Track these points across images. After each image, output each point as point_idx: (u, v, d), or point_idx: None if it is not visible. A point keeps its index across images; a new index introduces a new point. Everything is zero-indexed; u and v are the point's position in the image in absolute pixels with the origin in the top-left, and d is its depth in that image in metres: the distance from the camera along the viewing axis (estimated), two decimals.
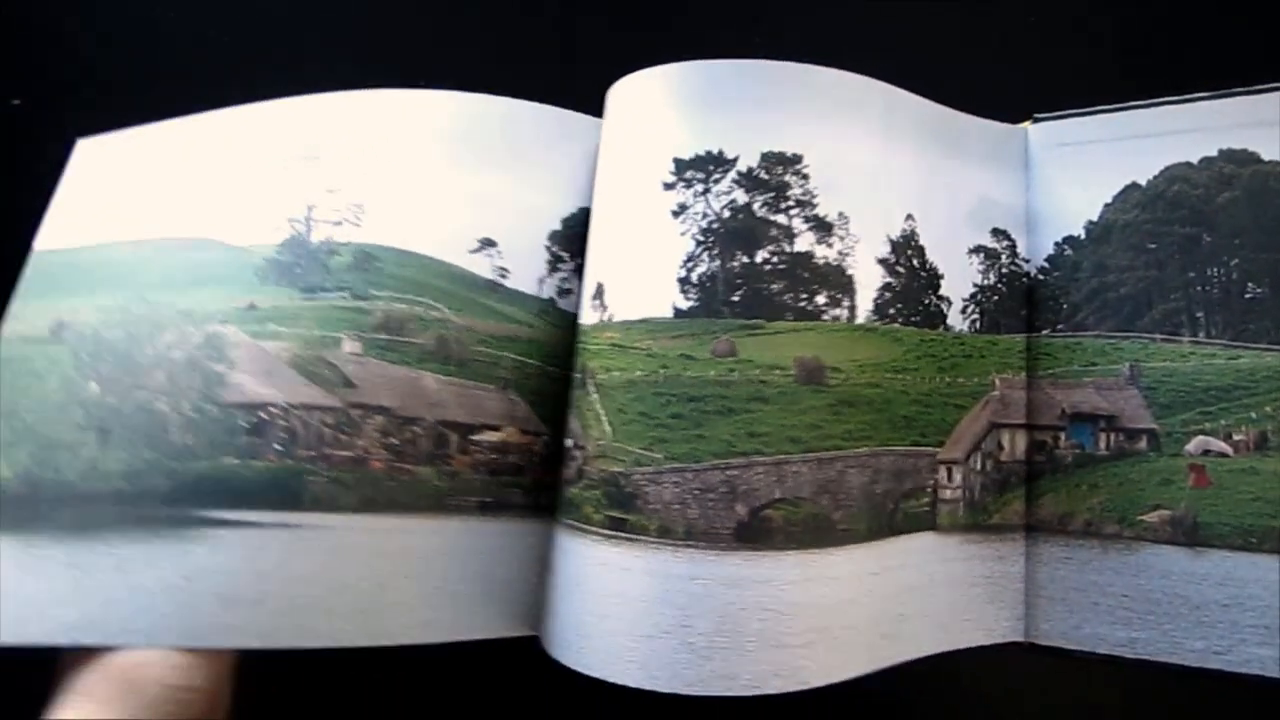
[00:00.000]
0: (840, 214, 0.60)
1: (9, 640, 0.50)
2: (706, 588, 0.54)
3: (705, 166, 0.59)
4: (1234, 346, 0.61)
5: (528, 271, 0.62)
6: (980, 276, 0.64)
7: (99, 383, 0.56)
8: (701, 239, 0.59)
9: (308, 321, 0.58)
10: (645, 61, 0.60)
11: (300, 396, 0.56)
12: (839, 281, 0.60)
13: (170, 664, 0.50)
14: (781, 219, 0.60)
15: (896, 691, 0.70)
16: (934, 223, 0.62)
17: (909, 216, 0.62)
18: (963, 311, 0.64)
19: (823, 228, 0.60)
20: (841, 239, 0.60)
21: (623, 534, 0.55)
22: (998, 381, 0.63)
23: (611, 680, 0.52)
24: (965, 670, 0.68)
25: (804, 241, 0.60)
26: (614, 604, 0.54)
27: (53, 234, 0.64)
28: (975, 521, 0.61)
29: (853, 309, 0.60)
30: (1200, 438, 0.60)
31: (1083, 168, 0.64)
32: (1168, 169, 0.62)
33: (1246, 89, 0.60)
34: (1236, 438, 0.59)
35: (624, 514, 0.56)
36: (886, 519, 0.59)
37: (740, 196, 0.60)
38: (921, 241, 0.62)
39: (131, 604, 0.51)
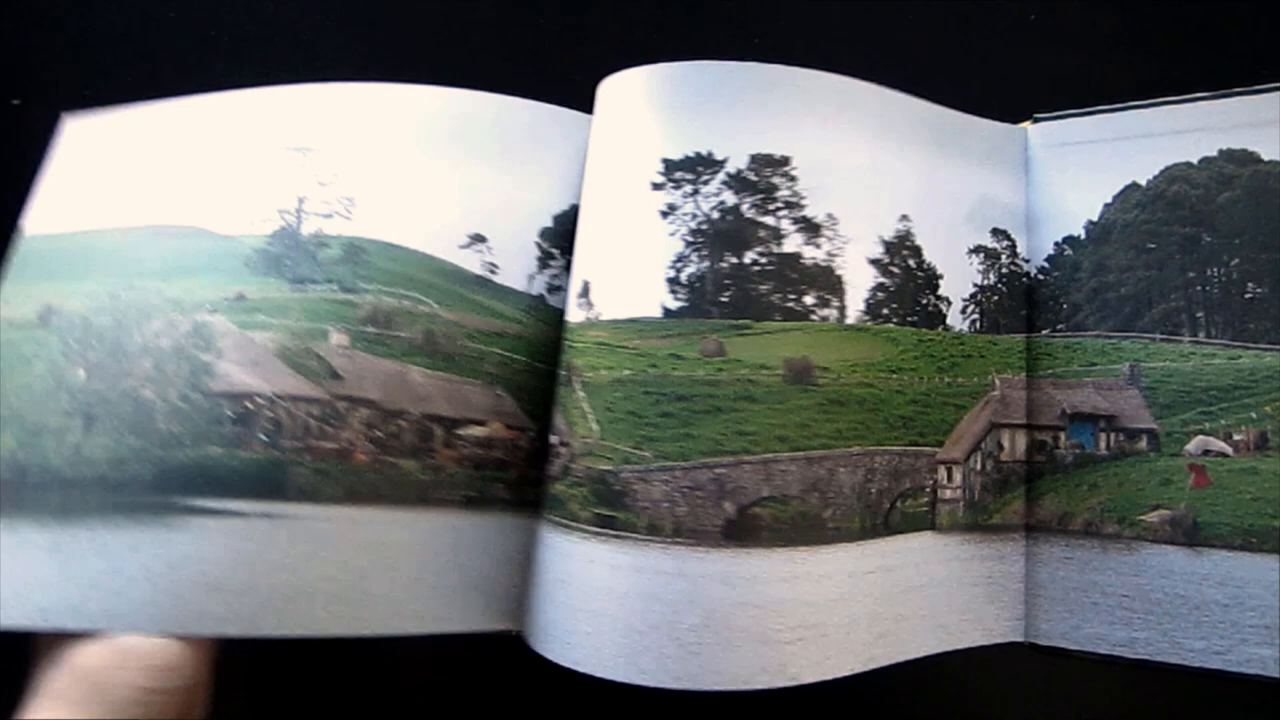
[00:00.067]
0: (829, 215, 0.60)
1: None
2: (694, 584, 0.54)
3: (694, 168, 0.60)
4: (1234, 346, 0.61)
5: (517, 267, 0.62)
6: (980, 276, 0.64)
7: (86, 369, 0.56)
8: (691, 240, 0.60)
9: (296, 313, 0.59)
10: (643, 59, 0.60)
11: (286, 387, 0.57)
12: (828, 282, 0.60)
13: (141, 665, 0.50)
14: (770, 220, 0.61)
15: (897, 691, 0.70)
16: (931, 223, 0.63)
17: (904, 217, 0.62)
18: (962, 311, 0.64)
19: (811, 229, 0.60)
20: (830, 240, 0.60)
21: (611, 531, 0.56)
22: (998, 381, 0.63)
23: (599, 675, 0.53)
24: (965, 670, 0.68)
25: (792, 242, 0.60)
26: (602, 600, 0.54)
27: (41, 216, 0.64)
28: (975, 521, 0.61)
29: (842, 309, 0.60)
30: (1200, 438, 0.60)
31: (1083, 168, 0.64)
32: (1168, 169, 0.62)
33: (1246, 89, 0.60)
34: (1236, 438, 0.59)
35: (612, 511, 0.56)
36: (882, 518, 0.59)
37: (729, 198, 0.60)
38: (918, 242, 0.62)
39: (113, 590, 0.51)
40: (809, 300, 0.60)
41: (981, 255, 0.64)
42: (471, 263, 0.61)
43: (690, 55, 0.60)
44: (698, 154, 0.59)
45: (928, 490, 0.61)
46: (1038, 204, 0.65)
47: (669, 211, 0.59)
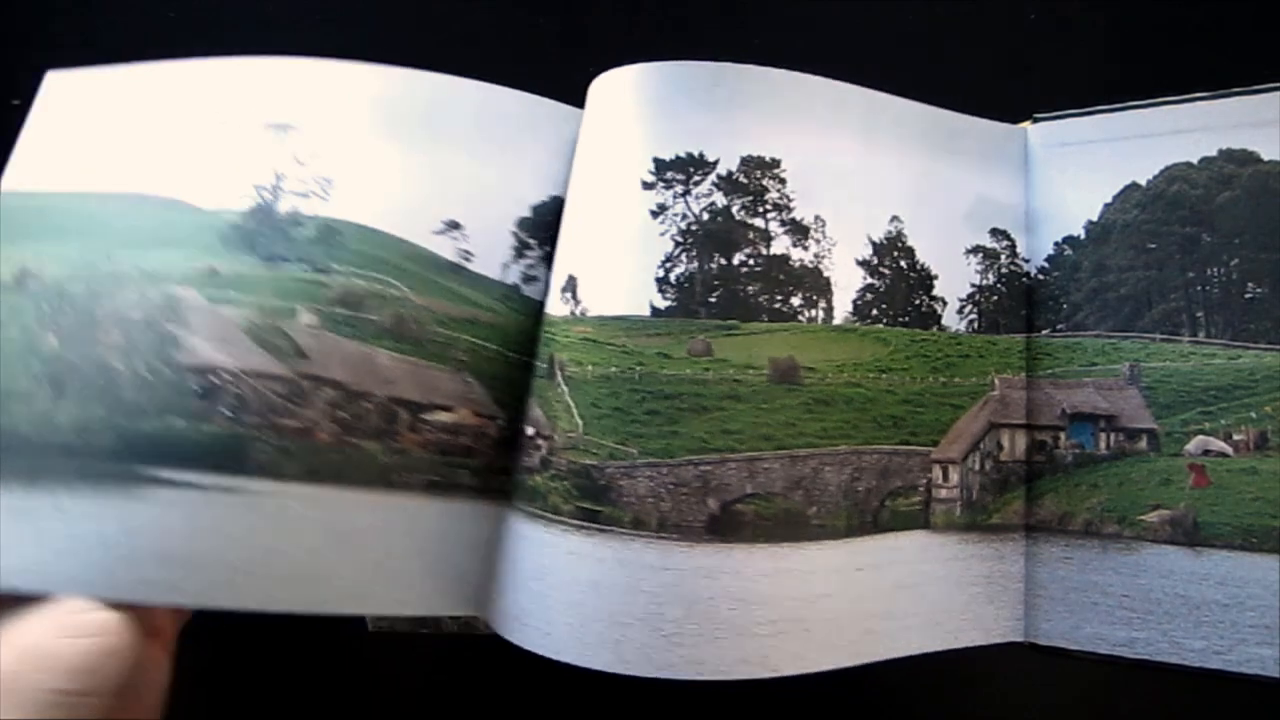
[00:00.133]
0: (817, 217, 0.61)
1: None
2: (678, 576, 0.55)
3: (685, 168, 0.60)
4: (1234, 346, 0.61)
5: (492, 256, 0.62)
6: (979, 277, 0.64)
7: (58, 336, 0.57)
8: (680, 240, 0.60)
9: (266, 291, 0.59)
10: (641, 58, 0.60)
11: (253, 364, 0.57)
12: (815, 283, 0.61)
13: (53, 668, 0.49)
14: (759, 222, 0.61)
15: (897, 690, 0.70)
16: (925, 223, 0.63)
17: (895, 218, 0.62)
18: (960, 311, 0.64)
19: (799, 231, 0.61)
20: (818, 242, 0.61)
21: (595, 525, 0.57)
22: (997, 381, 0.63)
23: (581, 664, 0.53)
24: (965, 670, 0.68)
25: (780, 244, 0.61)
26: (585, 592, 0.55)
27: (20, 174, 0.63)
28: (974, 521, 0.61)
29: (829, 310, 0.61)
30: (1200, 437, 0.60)
31: (1083, 168, 0.64)
32: (1167, 169, 0.62)
33: (1246, 89, 0.60)
34: (1236, 437, 0.59)
35: (597, 506, 0.57)
36: (870, 516, 0.60)
37: (719, 199, 0.61)
38: (910, 242, 0.63)
39: (71, 554, 0.52)
40: (796, 301, 0.61)
41: (980, 255, 0.64)
42: (445, 249, 0.61)
43: (688, 55, 0.60)
44: (689, 154, 0.60)
45: (920, 489, 0.61)
46: (1037, 204, 0.65)
47: (659, 211, 0.60)
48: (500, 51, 0.69)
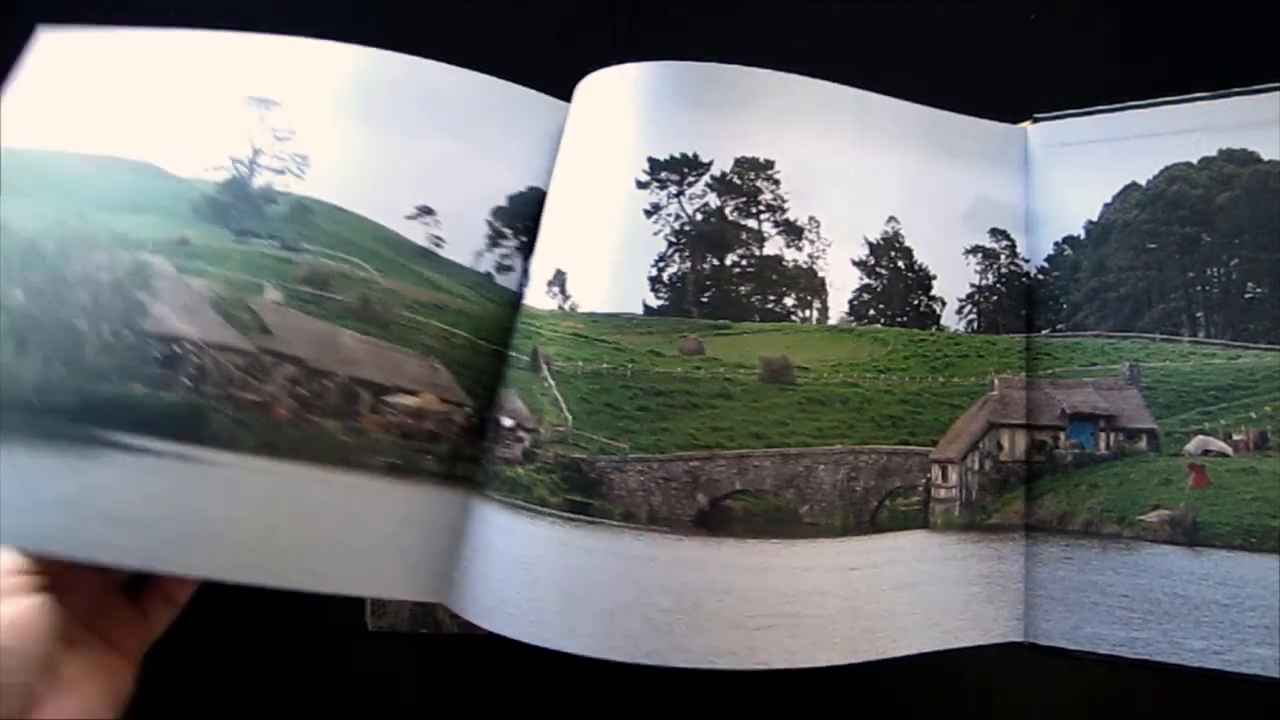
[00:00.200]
0: (811, 218, 0.62)
1: None
2: (666, 568, 0.56)
3: (679, 169, 0.61)
4: (1234, 346, 0.61)
5: (464, 243, 0.62)
6: (978, 277, 0.64)
7: (25, 291, 0.57)
8: (673, 240, 0.61)
9: (235, 265, 0.59)
10: (634, 56, 0.61)
11: (216, 336, 0.58)
12: (809, 284, 0.62)
13: None
14: (752, 223, 0.62)
15: (897, 690, 0.70)
16: (923, 224, 0.63)
17: (892, 219, 0.62)
18: (959, 311, 0.64)
19: (793, 232, 0.62)
20: (812, 242, 0.62)
21: (585, 517, 0.57)
22: (997, 381, 0.63)
23: (571, 651, 0.54)
24: (965, 670, 0.68)
25: (773, 245, 0.62)
26: (575, 582, 0.55)
27: (4, 129, 0.63)
28: (973, 521, 0.61)
29: (824, 310, 0.62)
30: (1200, 437, 0.60)
31: (1083, 168, 0.64)
32: (1167, 169, 0.62)
33: (1246, 89, 0.60)
34: (1236, 437, 0.59)
35: (587, 499, 0.58)
36: (868, 516, 0.60)
37: (713, 200, 0.61)
38: (908, 243, 0.63)
39: (24, 510, 0.52)
40: (789, 302, 0.61)
41: (979, 255, 0.64)
42: (416, 234, 0.62)
43: (686, 56, 0.60)
44: (683, 155, 0.60)
45: (920, 489, 0.61)
46: (1037, 204, 0.65)
47: (653, 211, 0.60)
48: (492, 43, 0.68)
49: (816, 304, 0.62)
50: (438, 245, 0.62)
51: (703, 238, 0.61)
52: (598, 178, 0.61)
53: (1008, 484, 0.62)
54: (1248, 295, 0.60)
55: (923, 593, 0.58)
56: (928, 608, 0.58)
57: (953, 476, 0.61)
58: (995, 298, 0.64)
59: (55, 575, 0.53)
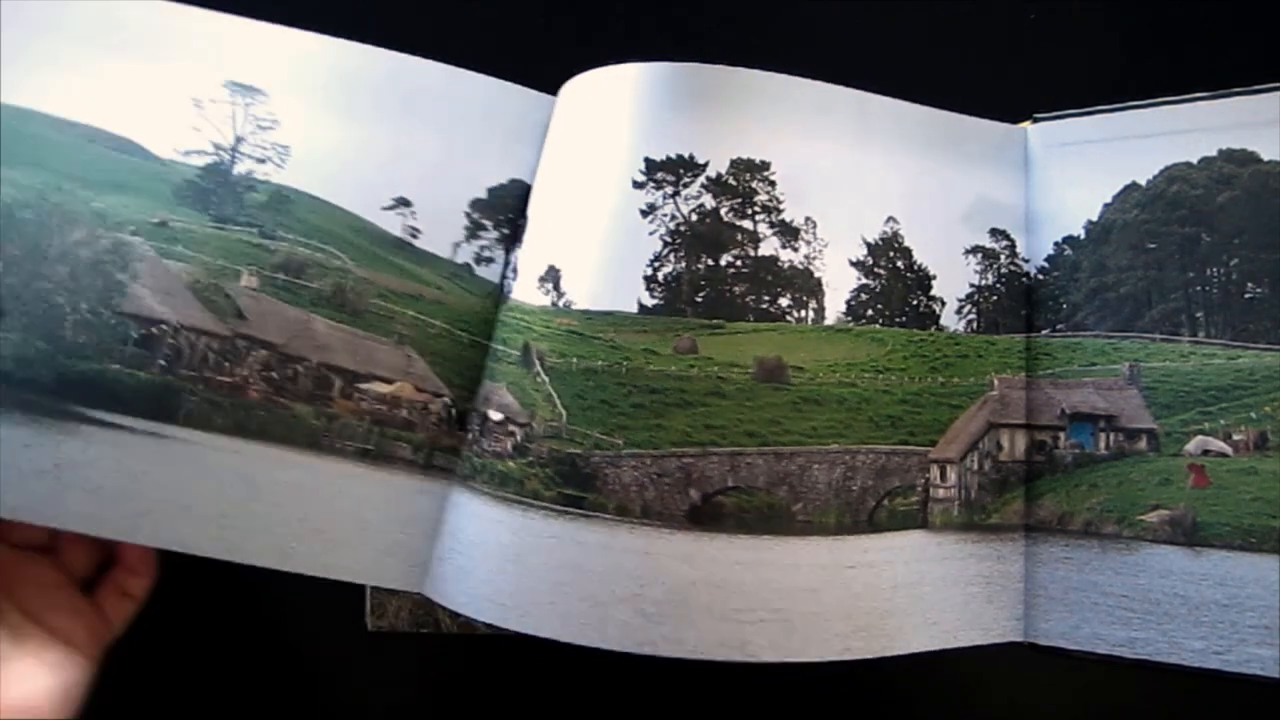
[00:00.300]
0: (807, 219, 0.62)
1: None
2: (659, 561, 0.57)
3: (676, 169, 0.61)
4: (1234, 346, 0.61)
5: (442, 234, 0.63)
6: (978, 277, 0.64)
7: (3, 261, 0.57)
8: (669, 240, 0.61)
9: (213, 250, 0.61)
10: (628, 56, 0.61)
11: (192, 319, 0.59)
12: (805, 284, 0.62)
13: None
14: (747, 224, 0.63)
15: (897, 690, 0.70)
16: (923, 224, 0.63)
17: (890, 219, 0.62)
18: (958, 312, 0.64)
19: (788, 232, 0.62)
20: (808, 243, 0.62)
21: (579, 511, 0.58)
22: (996, 381, 0.63)
23: (565, 640, 0.54)
24: (965, 670, 0.68)
25: (769, 246, 0.62)
26: (569, 574, 0.56)
27: None
28: (972, 521, 0.61)
29: (820, 310, 0.62)
30: (1200, 438, 0.60)
31: (1083, 168, 0.64)
32: (1167, 169, 0.62)
33: (1246, 89, 0.60)
34: (1236, 438, 0.59)
35: (581, 493, 0.58)
36: (866, 515, 0.60)
37: (708, 201, 0.62)
38: (907, 243, 0.63)
39: (5, 480, 0.54)
40: (784, 302, 0.62)
41: (979, 255, 0.64)
42: (393, 224, 0.63)
43: (685, 56, 0.60)
44: (679, 156, 0.61)
45: (919, 489, 0.61)
46: (1037, 204, 0.65)
47: (649, 211, 0.61)
48: (473, 38, 0.68)
49: (812, 304, 0.62)
50: (414, 236, 0.63)
51: (698, 238, 0.62)
52: (593, 177, 0.61)
53: (1007, 484, 0.62)
54: (1248, 295, 0.60)
55: (922, 592, 0.58)
56: (927, 607, 0.58)
57: (952, 476, 0.61)
58: (995, 298, 0.64)
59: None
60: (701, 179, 0.61)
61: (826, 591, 0.57)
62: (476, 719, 0.72)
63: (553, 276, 0.61)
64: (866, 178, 0.62)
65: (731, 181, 0.61)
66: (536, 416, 0.60)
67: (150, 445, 0.57)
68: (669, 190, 0.61)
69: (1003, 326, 0.64)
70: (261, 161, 0.61)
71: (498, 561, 0.57)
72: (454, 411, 0.61)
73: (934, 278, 0.64)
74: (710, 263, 0.62)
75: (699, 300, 0.62)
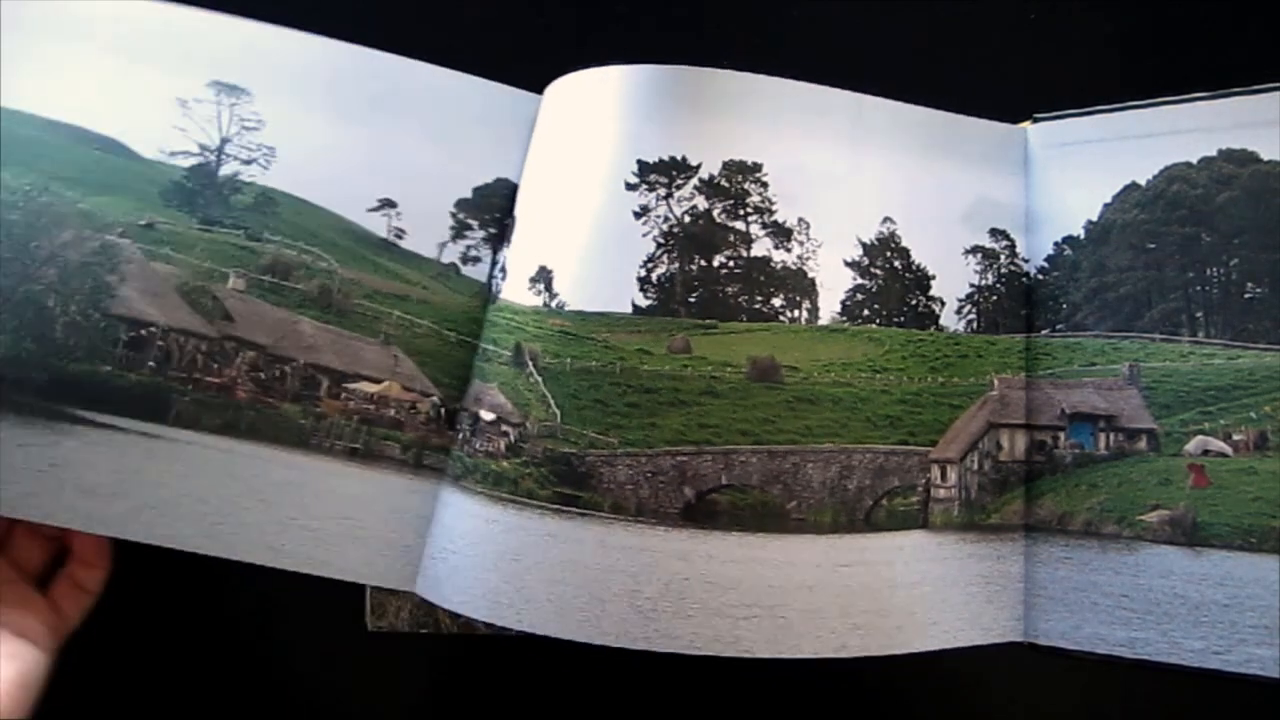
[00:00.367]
0: (800, 219, 0.62)
1: None
2: (654, 558, 0.58)
3: (668, 171, 0.61)
4: (1233, 346, 0.61)
5: (427, 234, 0.64)
6: (977, 277, 0.64)
7: None
8: (662, 241, 0.62)
9: (200, 252, 0.62)
10: (619, 52, 0.61)
11: (180, 321, 0.60)
12: (799, 284, 0.63)
13: None
14: (740, 225, 0.63)
15: (897, 690, 0.70)
16: (921, 224, 0.63)
17: (887, 219, 0.62)
18: (958, 312, 0.64)
19: (781, 233, 0.63)
20: (802, 244, 0.63)
21: (575, 509, 0.59)
22: (996, 381, 0.63)
23: (562, 637, 0.55)
24: (965, 670, 0.68)
25: (761, 246, 0.63)
26: (565, 571, 0.57)
27: None
28: (972, 521, 0.61)
29: (814, 310, 0.63)
30: (1200, 438, 0.60)
31: (1083, 168, 0.64)
32: (1167, 169, 0.62)
33: (1246, 89, 0.60)
34: (1236, 438, 0.59)
35: (577, 491, 0.59)
36: (863, 515, 0.61)
37: (701, 203, 0.62)
38: (905, 243, 0.63)
39: (3, 479, 0.55)
40: (777, 302, 0.63)
41: (979, 255, 0.64)
42: (378, 225, 0.63)
43: (684, 56, 0.60)
44: (672, 158, 0.61)
45: (919, 489, 0.61)
46: (1037, 204, 0.65)
47: (642, 213, 0.61)
48: (456, 37, 0.68)
49: (806, 304, 0.63)
50: (400, 237, 0.64)
51: (691, 239, 0.62)
52: (585, 178, 0.62)
53: (1007, 484, 0.62)
54: (1248, 295, 0.60)
55: (922, 592, 0.59)
56: (927, 607, 0.58)
57: (952, 476, 0.61)
58: (995, 298, 0.64)
59: None
60: (694, 180, 0.62)
61: (822, 589, 0.57)
62: (476, 719, 0.72)
63: (544, 277, 0.61)
64: (862, 178, 0.63)
65: (724, 183, 0.62)
66: (530, 416, 0.60)
67: (142, 445, 0.58)
68: (662, 192, 0.62)
69: (1003, 326, 0.64)
70: (247, 163, 0.62)
71: (492, 560, 0.57)
72: (443, 411, 0.62)
73: (933, 278, 0.64)
74: (703, 263, 0.63)
75: (692, 301, 0.62)
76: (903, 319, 0.64)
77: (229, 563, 0.56)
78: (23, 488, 0.55)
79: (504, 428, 0.60)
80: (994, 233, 0.64)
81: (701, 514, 0.60)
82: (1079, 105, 0.64)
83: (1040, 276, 0.64)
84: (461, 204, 0.64)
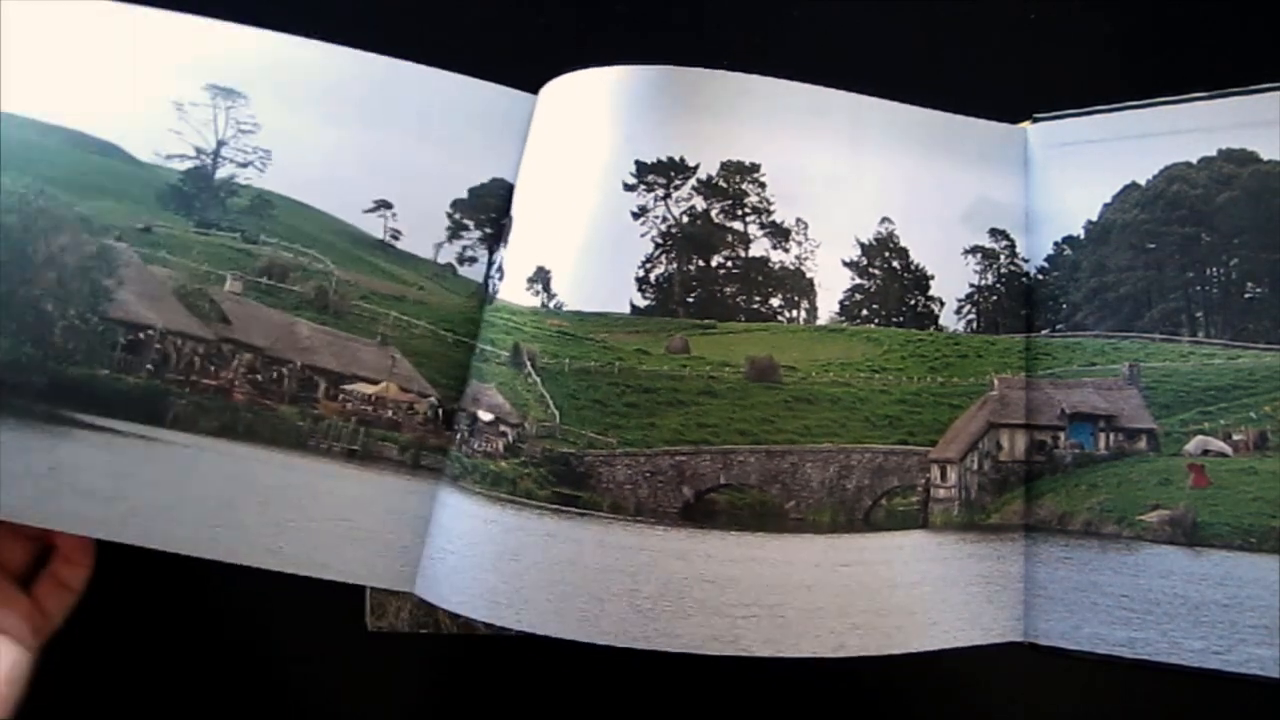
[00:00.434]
0: (798, 220, 0.63)
1: None
2: (653, 557, 0.58)
3: (666, 172, 0.62)
4: (1233, 346, 0.61)
5: (424, 235, 0.64)
6: (977, 277, 0.64)
7: None
8: (660, 242, 0.62)
9: (197, 255, 0.62)
10: (616, 51, 0.61)
11: (178, 325, 0.61)
12: (797, 285, 0.63)
13: None
14: (738, 225, 0.63)
15: (897, 690, 0.70)
16: (920, 224, 0.63)
17: (885, 219, 0.63)
18: (958, 312, 0.64)
19: (779, 234, 0.63)
20: (800, 244, 0.63)
21: (575, 509, 0.59)
22: (996, 381, 0.63)
23: (562, 637, 0.55)
24: (965, 670, 0.68)
25: (759, 247, 0.63)
26: (564, 571, 0.57)
27: None
28: (972, 521, 0.61)
29: (812, 310, 0.63)
30: (1200, 437, 0.60)
31: (1083, 168, 0.64)
32: (1167, 169, 0.62)
33: (1245, 89, 0.60)
34: (1236, 437, 0.60)
35: (576, 491, 0.59)
36: (862, 514, 0.61)
37: (699, 203, 0.63)
38: (904, 243, 0.63)
39: (3, 483, 0.55)
40: (775, 302, 0.63)
41: (979, 255, 0.64)
42: (374, 227, 0.63)
43: (684, 59, 0.60)
44: (670, 158, 0.61)
45: (918, 489, 0.61)
46: (1037, 204, 0.65)
47: (640, 213, 0.62)
48: (449, 37, 0.68)
49: (804, 304, 0.63)
50: (396, 238, 0.64)
51: (689, 239, 0.63)
52: (583, 179, 0.62)
53: (1007, 484, 0.62)
54: (1247, 295, 0.60)
55: (922, 592, 0.59)
56: (926, 607, 0.58)
57: (952, 476, 0.61)
58: (995, 298, 0.64)
59: None
60: (692, 181, 0.62)
61: (821, 589, 0.57)
62: (476, 719, 0.72)
63: (542, 278, 0.61)
64: (860, 179, 0.63)
65: (722, 183, 0.62)
66: (529, 417, 0.60)
67: (140, 448, 0.58)
68: (660, 192, 0.62)
69: (1002, 326, 0.64)
70: (243, 166, 0.62)
71: (491, 560, 0.57)
72: (440, 411, 0.62)
73: (932, 278, 0.64)
74: (701, 264, 0.63)
75: (690, 301, 0.63)
76: (902, 319, 0.64)
77: (228, 563, 0.56)
78: (22, 493, 0.55)
79: (502, 428, 0.61)
80: (994, 233, 0.64)
81: (700, 513, 0.60)
82: (1079, 105, 0.64)
83: (1040, 276, 0.64)
84: (457, 204, 0.64)
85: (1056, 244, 0.64)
